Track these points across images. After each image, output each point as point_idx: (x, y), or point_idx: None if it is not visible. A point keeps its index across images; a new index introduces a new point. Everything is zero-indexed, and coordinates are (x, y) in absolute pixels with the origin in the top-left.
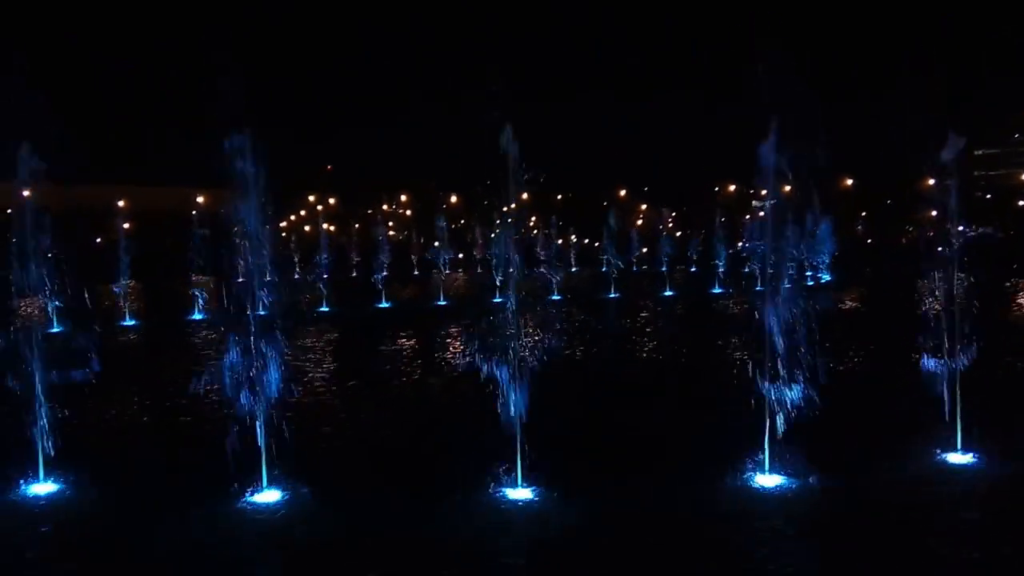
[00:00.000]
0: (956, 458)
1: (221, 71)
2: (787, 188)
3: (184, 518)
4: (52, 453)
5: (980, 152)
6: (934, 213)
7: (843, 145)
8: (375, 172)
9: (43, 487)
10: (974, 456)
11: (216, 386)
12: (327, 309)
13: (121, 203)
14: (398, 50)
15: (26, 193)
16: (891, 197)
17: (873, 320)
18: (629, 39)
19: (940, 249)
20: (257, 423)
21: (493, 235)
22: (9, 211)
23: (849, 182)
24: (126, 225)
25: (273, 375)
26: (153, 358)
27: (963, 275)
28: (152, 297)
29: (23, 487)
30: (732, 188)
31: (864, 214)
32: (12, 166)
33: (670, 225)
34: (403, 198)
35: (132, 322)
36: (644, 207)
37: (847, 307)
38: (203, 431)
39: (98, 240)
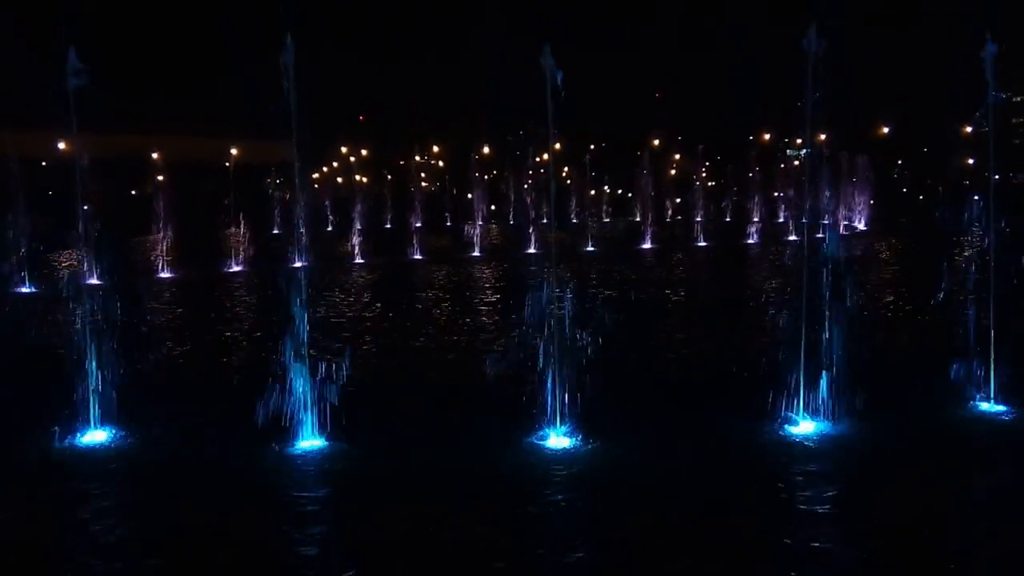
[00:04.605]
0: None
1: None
2: (822, 137)
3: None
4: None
5: (1020, 99)
6: (971, 161)
7: (880, 92)
8: (408, 122)
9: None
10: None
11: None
12: (362, 260)
13: (155, 154)
14: None
15: (61, 145)
16: (928, 144)
17: (901, 269)
18: None
19: (976, 198)
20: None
21: (526, 186)
22: (44, 163)
23: (886, 129)
24: (160, 177)
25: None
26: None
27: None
28: (189, 249)
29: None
30: (767, 137)
31: (900, 162)
32: (47, 115)
33: (704, 175)
34: (435, 148)
35: (169, 274)
36: (678, 157)
37: (876, 256)
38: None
39: (133, 192)
